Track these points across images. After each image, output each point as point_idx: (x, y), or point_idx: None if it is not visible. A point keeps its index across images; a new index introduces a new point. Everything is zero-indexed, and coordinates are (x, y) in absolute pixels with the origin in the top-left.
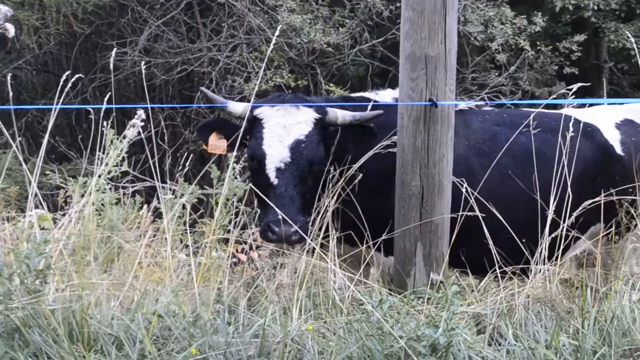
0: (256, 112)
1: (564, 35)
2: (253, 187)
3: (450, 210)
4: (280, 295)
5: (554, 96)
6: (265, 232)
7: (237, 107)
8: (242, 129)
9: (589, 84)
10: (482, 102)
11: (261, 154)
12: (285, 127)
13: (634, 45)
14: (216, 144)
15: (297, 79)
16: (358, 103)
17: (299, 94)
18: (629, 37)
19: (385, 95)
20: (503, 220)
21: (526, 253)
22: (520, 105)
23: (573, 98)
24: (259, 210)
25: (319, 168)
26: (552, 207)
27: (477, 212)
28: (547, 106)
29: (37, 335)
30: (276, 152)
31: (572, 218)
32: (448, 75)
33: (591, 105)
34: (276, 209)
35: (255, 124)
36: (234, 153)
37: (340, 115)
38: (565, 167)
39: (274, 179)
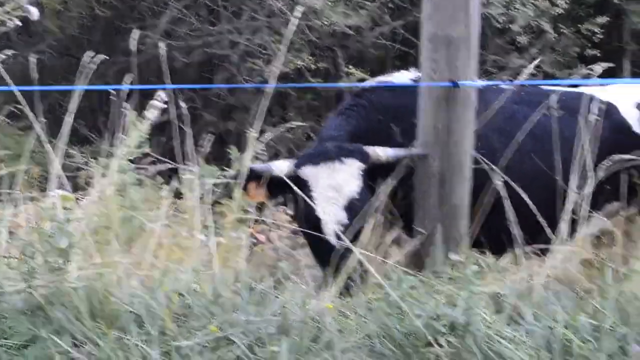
0: (300, 172)
1: (586, 18)
2: (311, 248)
3: (473, 189)
4: (300, 275)
5: (576, 76)
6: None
7: (282, 167)
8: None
9: (612, 64)
10: (503, 83)
11: (316, 219)
12: (335, 188)
13: None
14: (255, 191)
15: (317, 62)
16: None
17: (338, 144)
18: None
19: (402, 77)
20: (527, 198)
21: (547, 231)
22: (541, 85)
23: (595, 79)
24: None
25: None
26: (573, 186)
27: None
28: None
29: (59, 312)
30: (332, 217)
31: (589, 195)
32: (470, 56)
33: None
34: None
35: (301, 185)
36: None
37: (382, 154)
38: (585, 146)
39: (335, 242)
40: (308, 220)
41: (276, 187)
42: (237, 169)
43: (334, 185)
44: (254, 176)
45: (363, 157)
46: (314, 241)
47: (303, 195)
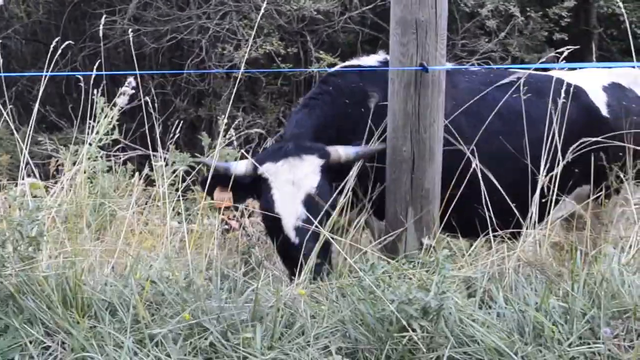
0: (260, 170)
1: (554, 1)
2: (273, 244)
3: (442, 171)
4: (272, 261)
5: (543, 60)
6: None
7: (240, 168)
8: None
9: (578, 46)
10: (472, 67)
11: (276, 218)
12: (294, 183)
13: (623, 11)
14: (221, 196)
15: (286, 47)
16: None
17: (298, 142)
18: (618, 3)
19: (370, 61)
20: (495, 181)
21: (517, 215)
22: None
23: (563, 62)
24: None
25: (336, 206)
26: (542, 169)
27: (479, 173)
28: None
29: (31, 301)
30: (291, 212)
31: (557, 179)
32: (439, 39)
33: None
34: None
35: (261, 183)
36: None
37: (343, 153)
38: (554, 128)
39: (294, 239)
40: (268, 218)
41: (240, 190)
42: (203, 172)
43: (293, 180)
44: (216, 179)
45: (323, 154)
46: (276, 237)
47: (266, 183)
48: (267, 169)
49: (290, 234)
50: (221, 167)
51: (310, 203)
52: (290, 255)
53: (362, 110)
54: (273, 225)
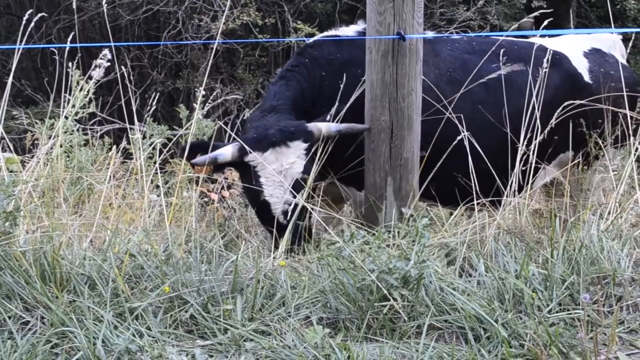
0: (247, 158)
1: None
2: (260, 220)
3: (422, 140)
4: (252, 233)
5: (516, 25)
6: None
7: (227, 155)
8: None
9: (551, 10)
10: (449, 36)
11: (264, 202)
12: (281, 172)
13: None
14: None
15: (264, 17)
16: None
17: (281, 124)
18: None
19: (348, 31)
20: (479, 148)
21: (497, 182)
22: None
23: (541, 29)
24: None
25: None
26: (523, 136)
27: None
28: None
29: (8, 277)
30: (279, 199)
31: (539, 146)
32: (416, 8)
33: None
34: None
35: (248, 169)
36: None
37: (324, 129)
38: (534, 96)
39: (283, 220)
40: (256, 204)
41: (221, 165)
42: (184, 145)
43: (281, 169)
44: (200, 149)
45: (307, 136)
46: (263, 216)
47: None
48: (254, 158)
49: (280, 217)
50: (209, 159)
51: (296, 187)
52: (277, 229)
53: (339, 82)
54: (260, 207)
